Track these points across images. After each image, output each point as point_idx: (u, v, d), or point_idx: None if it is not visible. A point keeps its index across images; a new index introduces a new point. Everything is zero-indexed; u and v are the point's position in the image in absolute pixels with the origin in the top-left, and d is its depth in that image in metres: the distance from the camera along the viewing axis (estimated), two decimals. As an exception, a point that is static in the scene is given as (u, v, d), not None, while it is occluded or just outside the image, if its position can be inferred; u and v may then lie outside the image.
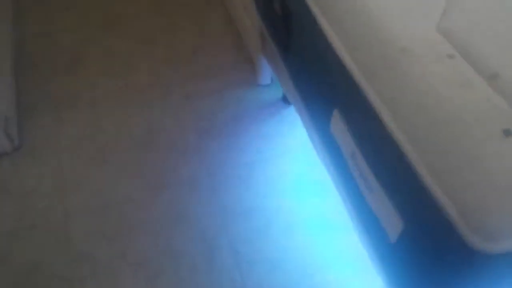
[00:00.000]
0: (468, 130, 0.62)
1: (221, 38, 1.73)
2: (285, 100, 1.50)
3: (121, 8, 1.86)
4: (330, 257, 1.17)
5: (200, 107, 1.52)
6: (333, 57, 0.82)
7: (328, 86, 0.87)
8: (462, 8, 0.77)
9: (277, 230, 1.23)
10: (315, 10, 0.87)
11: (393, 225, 0.71)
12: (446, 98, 0.67)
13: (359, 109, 0.77)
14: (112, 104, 1.52)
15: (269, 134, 1.43)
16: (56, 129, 1.44)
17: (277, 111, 1.49)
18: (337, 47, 0.81)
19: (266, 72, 1.51)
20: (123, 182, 1.32)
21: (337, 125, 0.85)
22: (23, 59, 1.65)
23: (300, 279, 1.14)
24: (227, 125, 1.46)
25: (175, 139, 1.43)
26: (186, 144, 1.42)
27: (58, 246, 1.19)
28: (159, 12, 1.84)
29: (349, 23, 0.81)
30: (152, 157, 1.38)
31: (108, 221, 1.24)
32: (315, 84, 0.94)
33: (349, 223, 1.00)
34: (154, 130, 1.45)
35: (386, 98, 0.72)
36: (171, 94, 1.56)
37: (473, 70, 0.71)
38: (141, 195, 1.29)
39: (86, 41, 1.73)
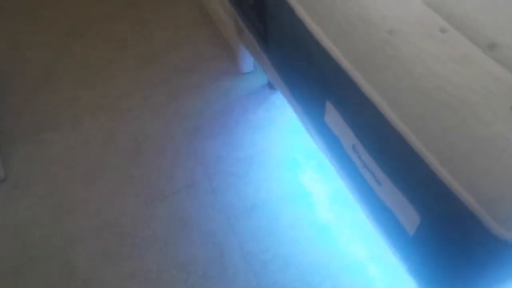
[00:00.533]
0: (474, 111, 0.58)
1: (196, 30, 1.67)
2: (271, 85, 1.45)
3: (87, 13, 1.78)
4: (343, 244, 1.14)
5: (185, 105, 1.46)
6: (316, 47, 0.77)
7: (315, 78, 0.82)
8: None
9: (285, 223, 1.19)
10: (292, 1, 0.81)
11: (409, 218, 0.67)
12: (445, 78, 0.62)
13: (353, 99, 0.73)
14: (94, 117, 1.47)
15: (261, 123, 1.38)
16: (41, 154, 1.39)
17: (265, 98, 1.44)
18: (319, 36, 0.76)
19: (248, 59, 1.45)
20: (119, 199, 1.27)
21: (332, 117, 0.80)
22: (-6, 83, 1.58)
23: (314, 271, 1.11)
24: (217, 120, 1.41)
25: (165, 144, 1.38)
26: (177, 147, 1.37)
27: (63, 276, 1.15)
28: (127, 11, 1.76)
29: (328, 9, 0.76)
30: (144, 167, 1.33)
31: (110, 241, 1.20)
32: (301, 76, 0.89)
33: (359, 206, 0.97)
34: (141, 138, 1.40)
35: (379, 86, 0.67)
36: (153, 96, 1.50)
37: (470, 42, 0.66)
38: (140, 210, 1.25)
39: (57, 53, 1.66)
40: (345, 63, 0.72)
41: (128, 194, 1.29)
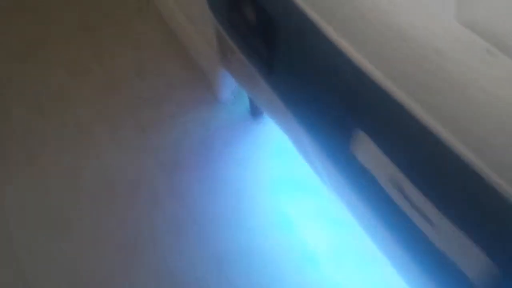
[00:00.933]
0: None
1: (163, 56, 1.53)
2: (253, 114, 1.34)
3: (41, 33, 1.59)
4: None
5: (158, 138, 1.32)
6: (350, 71, 0.68)
7: (344, 105, 0.73)
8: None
9: (286, 268, 1.07)
10: (315, 17, 0.72)
11: (475, 263, 0.58)
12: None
13: (401, 128, 0.64)
14: (52, 152, 1.29)
15: (246, 156, 1.27)
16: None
17: (248, 129, 1.33)
18: (356, 59, 0.67)
19: (227, 87, 1.34)
20: (92, 249, 1.11)
21: (365, 149, 0.71)
22: None
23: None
24: (197, 154, 1.28)
25: (139, 182, 1.23)
26: (154, 185, 1.22)
27: None
28: (85, 33, 1.59)
29: (364, 29, 0.67)
30: (117, 210, 1.17)
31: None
32: (321, 103, 0.79)
33: (369, 253, 0.88)
34: (111, 176, 1.24)
35: (438, 113, 0.59)
36: (122, 128, 1.34)
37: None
38: (118, 260, 1.09)
39: (6, 79, 1.46)
40: (391, 88, 0.63)
41: (102, 242, 1.12)
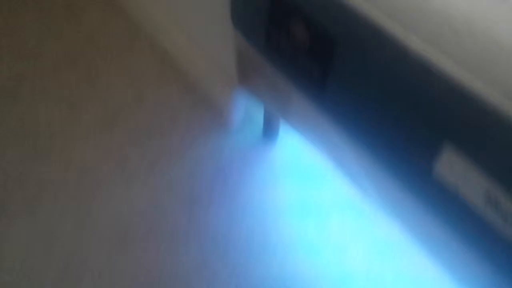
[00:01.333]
0: None
1: (161, 83, 1.44)
2: (267, 136, 1.27)
3: (22, 67, 1.47)
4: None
5: (171, 172, 1.23)
6: (445, 86, 0.62)
7: (432, 122, 0.67)
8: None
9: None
10: (396, 30, 0.66)
11: None
12: None
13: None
14: (55, 198, 1.18)
15: (269, 183, 1.19)
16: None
17: (263, 153, 1.25)
18: (451, 72, 0.61)
19: (238, 110, 1.27)
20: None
21: (455, 166, 0.65)
22: None
23: None
24: (215, 186, 1.19)
25: (157, 221, 1.13)
26: (173, 223, 1.13)
27: None
28: (73, 64, 1.48)
29: (457, 38, 0.62)
30: (136, 252, 1.08)
31: None
32: (397, 123, 0.72)
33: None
34: (125, 218, 1.14)
35: None
36: (129, 165, 1.24)
37: None
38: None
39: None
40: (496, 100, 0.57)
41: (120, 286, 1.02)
